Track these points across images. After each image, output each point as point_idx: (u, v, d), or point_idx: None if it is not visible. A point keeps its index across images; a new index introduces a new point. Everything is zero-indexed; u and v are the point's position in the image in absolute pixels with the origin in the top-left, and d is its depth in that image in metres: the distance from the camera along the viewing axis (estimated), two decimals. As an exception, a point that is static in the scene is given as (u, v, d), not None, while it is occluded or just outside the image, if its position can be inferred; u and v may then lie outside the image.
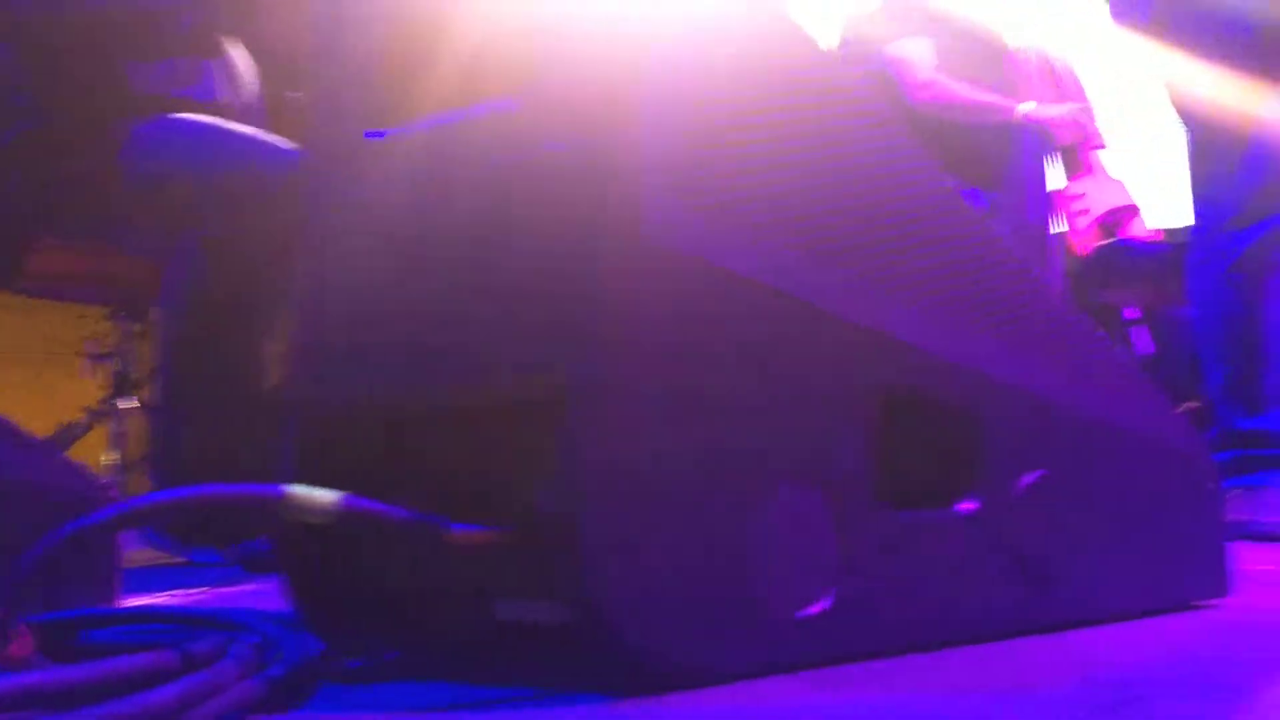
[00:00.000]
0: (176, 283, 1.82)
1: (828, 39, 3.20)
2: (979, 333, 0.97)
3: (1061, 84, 2.96)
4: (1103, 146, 2.98)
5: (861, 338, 0.85)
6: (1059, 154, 2.99)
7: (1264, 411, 2.06)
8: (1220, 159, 2.06)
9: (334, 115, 0.87)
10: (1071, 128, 2.86)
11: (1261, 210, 2.01)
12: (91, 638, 0.81)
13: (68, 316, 3.85)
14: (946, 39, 2.89)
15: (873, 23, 3.02)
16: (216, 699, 0.60)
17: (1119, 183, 2.97)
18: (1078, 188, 2.93)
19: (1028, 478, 0.98)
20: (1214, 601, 1.12)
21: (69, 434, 3.66)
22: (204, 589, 1.56)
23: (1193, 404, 2.22)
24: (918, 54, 2.88)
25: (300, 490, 0.68)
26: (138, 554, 2.00)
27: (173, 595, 1.46)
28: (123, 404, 3.72)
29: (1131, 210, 2.92)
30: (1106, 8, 2.19)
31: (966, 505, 0.95)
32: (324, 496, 0.69)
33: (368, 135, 0.84)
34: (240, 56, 2.05)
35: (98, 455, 3.73)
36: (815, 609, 0.80)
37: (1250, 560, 1.58)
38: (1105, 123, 3.05)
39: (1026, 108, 2.83)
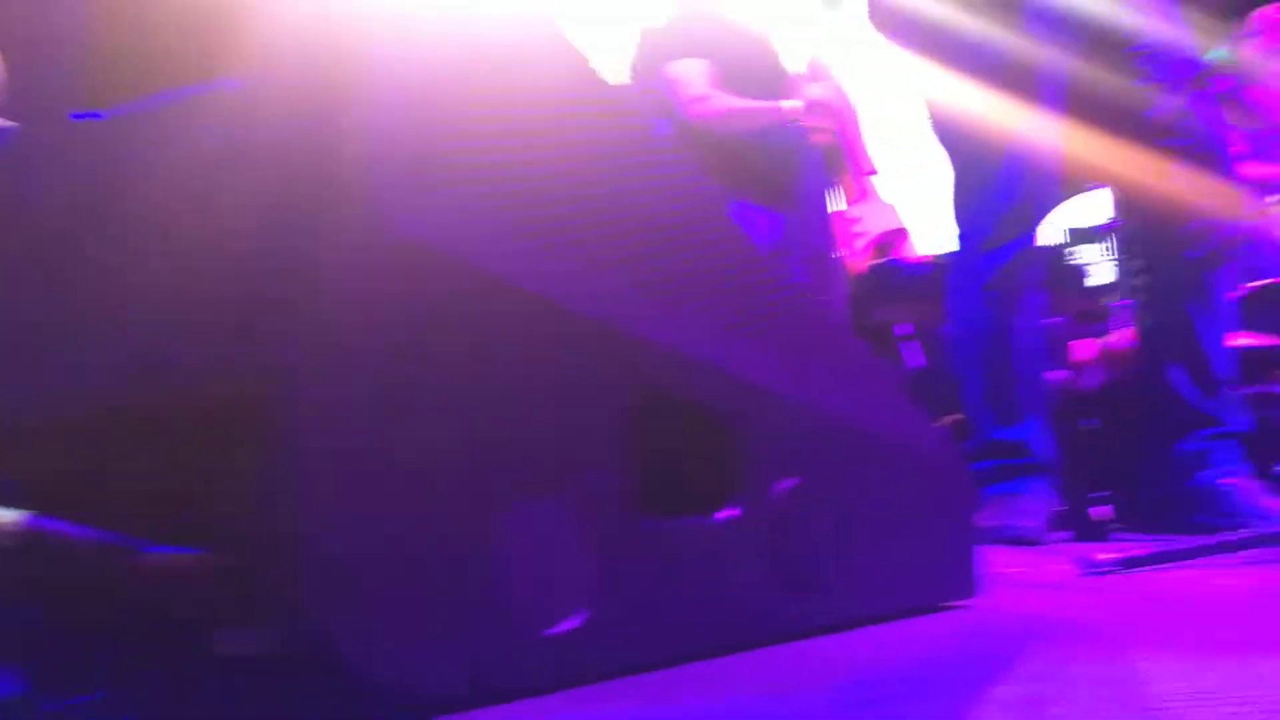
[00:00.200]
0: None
1: (621, 63, 3.21)
2: (741, 340, 0.97)
3: (835, 108, 3.07)
4: (874, 172, 3.10)
5: (616, 341, 0.82)
6: (841, 179, 3.10)
7: (1017, 423, 2.17)
8: (976, 182, 2.17)
9: (37, 97, 0.78)
10: (841, 139, 2.96)
11: (1012, 231, 2.13)
12: None
13: None
14: (728, 63, 2.95)
15: (657, 48, 3.06)
16: None
17: (891, 207, 3.10)
18: (854, 211, 3.04)
19: (787, 484, 0.98)
20: (962, 603, 1.15)
21: None
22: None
23: (954, 416, 2.32)
24: (689, 73, 2.92)
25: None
26: None
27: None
28: None
29: (902, 233, 3.05)
30: (875, 31, 2.28)
31: (728, 512, 0.94)
32: (3, 517, 0.61)
33: (75, 118, 0.75)
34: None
35: None
36: (569, 624, 0.76)
37: (1002, 563, 1.65)
38: (877, 148, 3.18)
39: (791, 104, 2.90)
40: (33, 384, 0.65)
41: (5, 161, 0.71)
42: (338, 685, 0.63)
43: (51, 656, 0.73)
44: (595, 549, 0.79)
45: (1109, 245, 3.40)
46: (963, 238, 2.25)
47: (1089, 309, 2.86)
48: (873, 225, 3.02)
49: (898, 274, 2.95)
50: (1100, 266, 3.28)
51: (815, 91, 2.92)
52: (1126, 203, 2.31)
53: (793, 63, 3.09)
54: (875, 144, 3.30)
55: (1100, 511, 2.34)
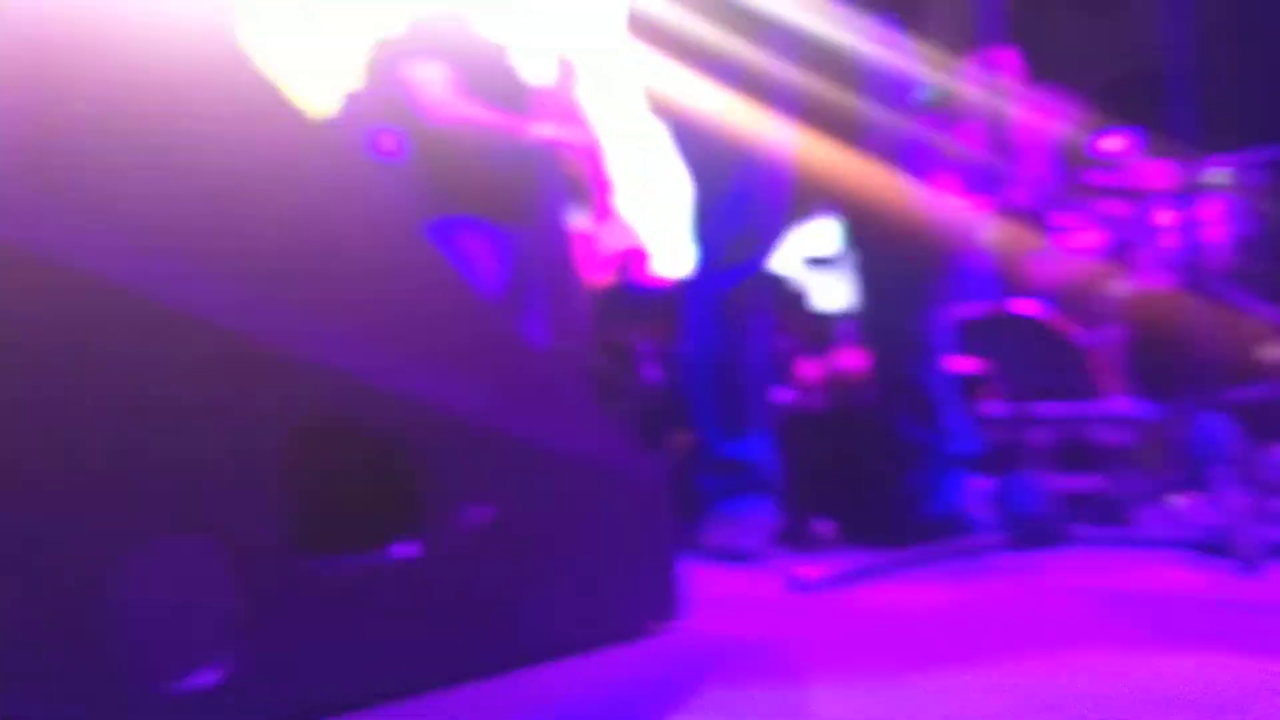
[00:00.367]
0: None
1: (355, 63, 3.09)
2: (428, 367, 0.91)
3: (577, 124, 3.07)
4: (614, 191, 3.12)
5: (279, 366, 0.75)
6: (582, 197, 3.09)
7: (745, 440, 2.21)
8: (713, 202, 2.20)
9: None
10: (583, 155, 2.97)
11: (745, 252, 2.17)
12: None
13: None
14: (468, 69, 2.89)
15: (395, 50, 2.96)
16: None
17: (631, 226, 3.13)
18: (594, 230, 3.04)
19: (475, 514, 0.93)
20: (664, 626, 1.13)
21: None
22: None
23: (686, 434, 2.34)
24: (429, 78, 2.85)
25: None
26: None
27: None
28: None
29: (641, 253, 3.08)
30: (633, 41, 2.27)
31: (405, 548, 0.88)
32: None
33: None
34: None
35: None
36: (205, 679, 0.68)
37: (718, 581, 1.67)
38: (624, 165, 3.20)
39: (543, 129, 2.89)
40: None
41: None
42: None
43: None
44: (243, 593, 0.72)
45: (839, 269, 3.56)
46: (700, 257, 2.28)
47: (817, 331, 2.97)
48: (612, 244, 3.03)
49: (632, 293, 2.97)
50: (830, 290, 3.42)
51: (563, 105, 2.91)
52: (856, 227, 2.38)
53: (536, 73, 3.06)
54: (621, 161, 3.32)
55: (822, 528, 2.41)
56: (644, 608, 1.13)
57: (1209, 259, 3.07)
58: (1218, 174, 3.17)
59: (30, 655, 0.58)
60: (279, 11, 3.32)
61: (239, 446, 0.72)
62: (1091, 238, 3.28)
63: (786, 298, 2.74)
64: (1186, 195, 3.14)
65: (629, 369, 2.98)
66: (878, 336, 2.34)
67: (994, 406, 2.42)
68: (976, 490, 2.06)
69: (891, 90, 2.17)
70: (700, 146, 2.20)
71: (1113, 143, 3.26)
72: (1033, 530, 1.57)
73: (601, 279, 3.00)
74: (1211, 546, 1.54)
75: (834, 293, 3.44)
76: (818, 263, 3.61)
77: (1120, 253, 3.08)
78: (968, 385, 2.35)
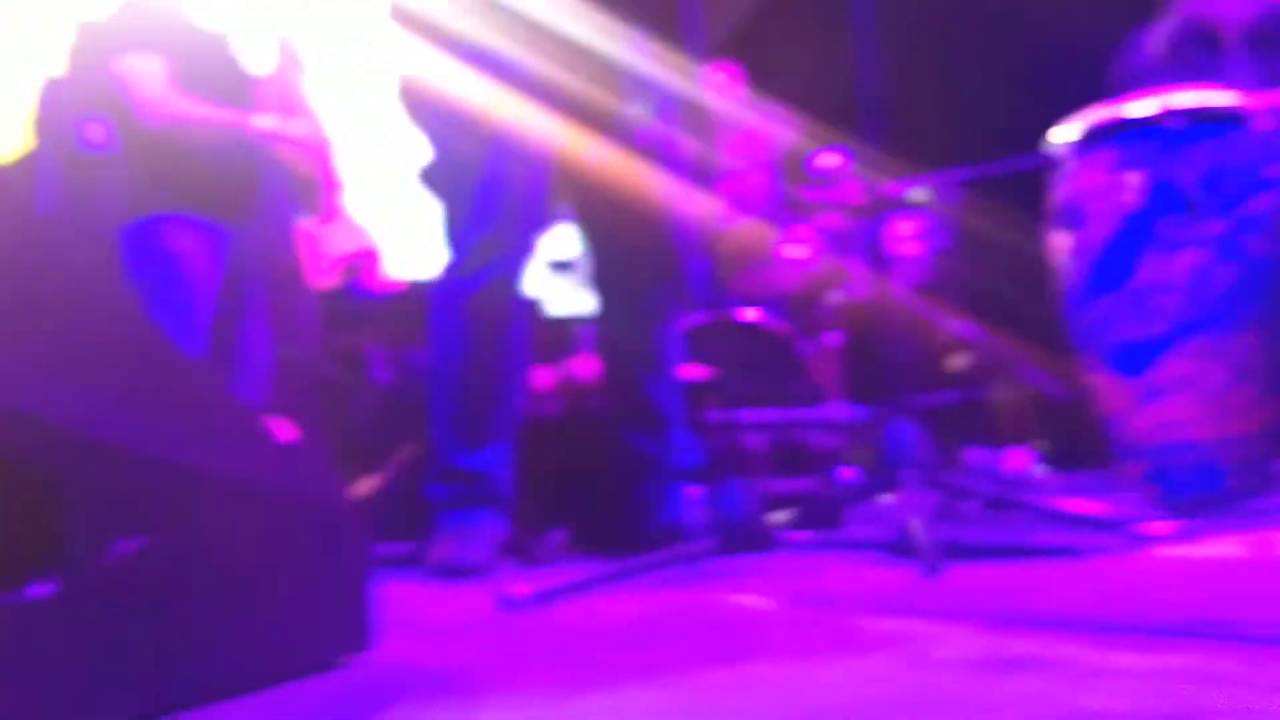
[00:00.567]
0: None
1: (56, 49, 2.83)
2: (71, 389, 0.82)
3: (299, 117, 2.93)
4: (343, 189, 3.00)
5: None
6: (309, 195, 2.95)
7: (480, 449, 2.15)
8: (463, 202, 2.14)
9: None
10: (310, 151, 2.84)
11: (490, 256, 2.11)
12: None
13: None
14: (186, 61, 2.71)
15: (103, 36, 2.73)
16: None
17: (362, 227, 3.02)
18: (320, 230, 2.91)
19: (130, 546, 0.85)
20: (355, 656, 1.08)
21: None
22: None
23: (418, 443, 2.27)
24: (146, 72, 2.65)
25: None
26: None
27: None
28: None
29: (372, 254, 2.98)
30: (398, 28, 2.17)
31: (42, 587, 0.79)
32: None
33: None
34: None
35: None
36: None
37: (429, 601, 1.62)
38: (349, 164, 3.08)
39: (266, 122, 2.74)
40: None
41: None
42: None
43: None
44: None
45: (578, 274, 3.58)
46: (446, 260, 2.21)
47: (554, 337, 2.96)
48: (341, 245, 2.91)
49: (366, 296, 2.87)
50: (569, 295, 3.43)
51: (288, 98, 2.76)
52: (594, 231, 2.36)
53: (257, 63, 2.89)
54: (354, 157, 3.20)
55: (553, 540, 2.41)
56: (332, 638, 1.07)
57: (909, 272, 3.29)
58: (918, 191, 3.40)
59: None
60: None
61: None
62: (811, 250, 3.44)
63: (528, 302, 2.71)
64: (891, 211, 3.37)
65: (358, 375, 2.87)
66: (611, 344, 2.34)
67: (713, 413, 2.48)
68: (693, 497, 2.10)
69: (646, 94, 2.17)
70: (453, 142, 2.14)
71: (828, 160, 3.43)
72: (741, 535, 1.61)
73: (328, 281, 2.87)
74: (899, 548, 1.63)
75: (572, 298, 3.45)
76: (559, 267, 3.61)
77: (835, 264, 3.23)
78: (692, 393, 2.39)
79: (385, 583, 2.06)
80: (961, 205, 3.41)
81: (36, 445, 0.78)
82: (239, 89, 2.81)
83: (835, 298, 3.53)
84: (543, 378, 2.66)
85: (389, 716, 0.81)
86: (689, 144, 2.69)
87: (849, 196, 3.36)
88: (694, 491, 2.12)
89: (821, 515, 2.23)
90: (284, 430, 1.08)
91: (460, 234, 2.15)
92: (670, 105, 2.21)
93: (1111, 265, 2.27)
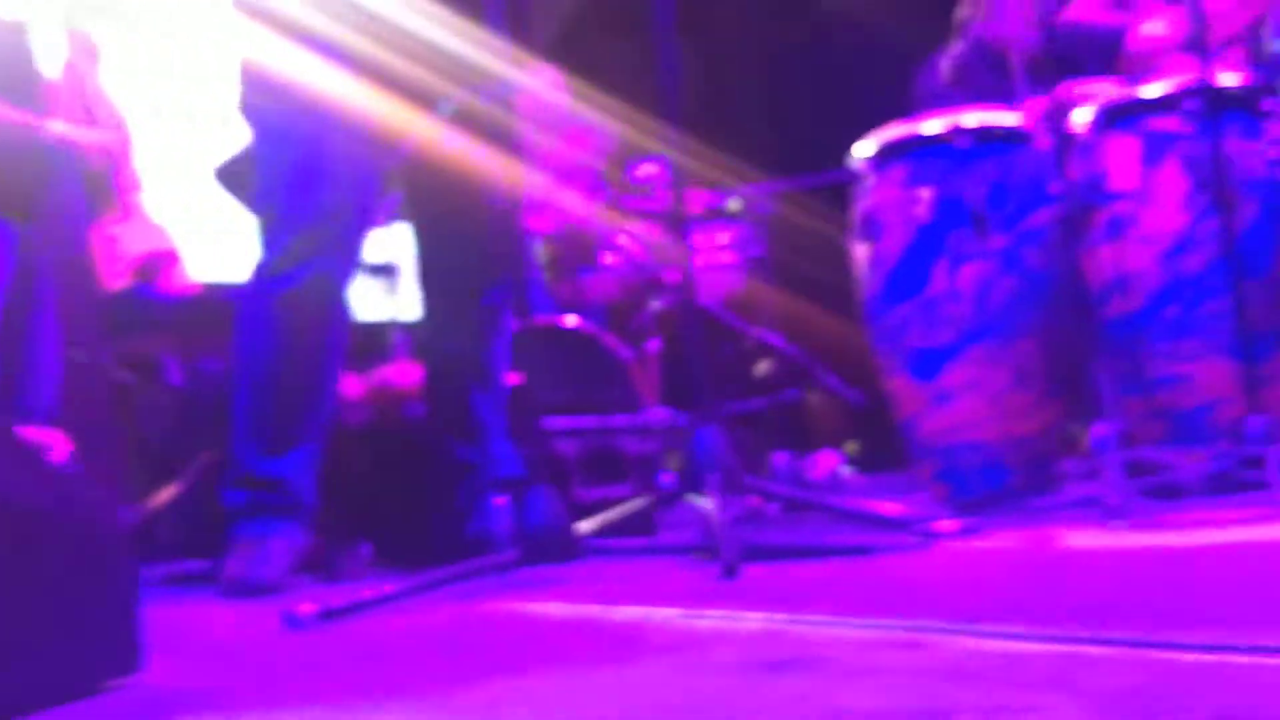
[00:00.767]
0: None
1: None
2: None
3: (96, 113, 2.76)
4: (139, 188, 2.84)
5: None
6: (102, 193, 2.78)
7: (284, 456, 2.05)
8: (272, 200, 2.04)
9: None
10: (102, 154, 2.68)
11: (301, 255, 2.01)
12: None
13: None
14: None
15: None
16: None
17: (160, 228, 2.86)
18: (113, 229, 2.75)
19: None
20: (123, 680, 1.01)
21: None
22: None
23: (213, 451, 2.16)
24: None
25: None
26: None
27: None
28: None
29: (171, 256, 2.82)
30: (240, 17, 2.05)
31: None
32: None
33: None
34: None
35: None
36: None
37: (214, 620, 1.54)
38: (148, 162, 2.92)
39: (57, 127, 2.57)
40: None
41: None
42: None
43: None
44: None
45: (397, 277, 3.49)
46: (260, 258, 2.10)
47: (364, 344, 2.88)
48: (134, 246, 2.75)
49: (161, 299, 2.72)
50: (386, 299, 3.34)
51: (86, 136, 2.60)
52: (428, 234, 2.29)
53: (48, 57, 2.71)
54: (153, 154, 3.04)
55: (357, 554, 2.34)
56: (99, 662, 1.00)
57: (721, 281, 3.35)
58: (733, 201, 3.47)
59: None
60: None
61: None
62: (631, 257, 3.45)
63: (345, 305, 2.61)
64: (706, 221, 3.42)
65: (151, 381, 2.72)
66: (435, 350, 2.27)
67: (529, 420, 2.45)
68: (503, 507, 2.08)
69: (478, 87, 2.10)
70: (274, 134, 2.04)
71: (647, 169, 3.46)
72: (549, 544, 1.59)
73: (122, 282, 2.71)
74: (703, 551, 1.65)
75: (390, 303, 3.37)
76: (378, 270, 3.52)
77: (656, 272, 3.26)
78: (511, 399, 2.36)
79: (175, 601, 1.97)
80: (775, 216, 3.50)
81: None
82: (28, 82, 2.62)
83: (654, 305, 3.56)
84: (350, 386, 2.58)
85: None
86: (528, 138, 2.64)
87: (667, 205, 3.40)
88: (504, 501, 2.09)
89: (635, 521, 2.23)
90: (53, 447, 1.00)
91: (273, 232, 2.05)
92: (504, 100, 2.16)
93: (906, 275, 2.37)
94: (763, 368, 2.83)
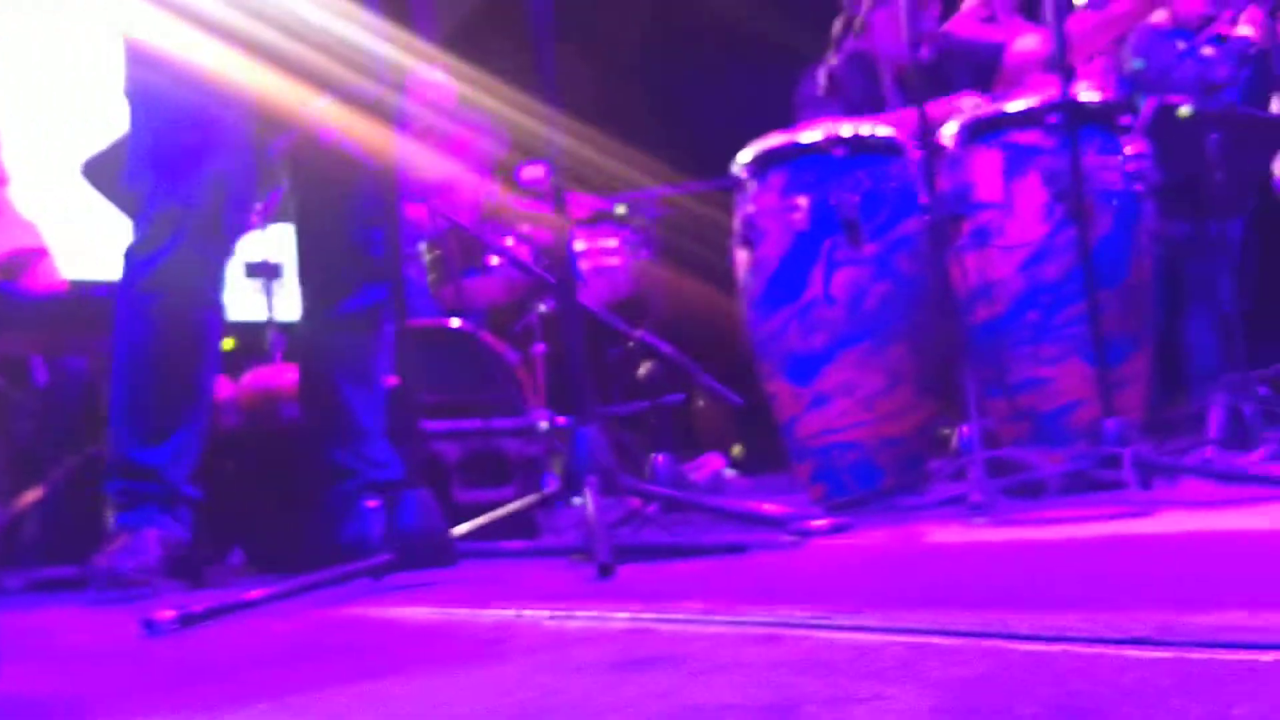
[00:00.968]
0: None
1: None
2: None
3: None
4: (6, 181, 2.71)
5: None
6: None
7: (161, 444, 1.97)
8: (147, 181, 1.97)
9: None
10: None
11: (170, 231, 1.94)
12: None
13: None
14: None
15: None
16: None
17: (30, 224, 2.73)
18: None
19: None
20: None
21: None
22: None
23: (73, 459, 2.07)
24: None
25: None
26: None
27: None
28: None
29: (40, 253, 2.70)
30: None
31: None
32: None
33: None
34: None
35: None
36: None
37: (68, 622, 1.47)
38: (15, 157, 2.79)
39: None
40: None
41: None
42: None
43: None
44: None
45: (277, 277, 3.40)
46: (132, 238, 2.01)
47: (238, 346, 2.79)
48: (2, 242, 2.62)
49: (27, 298, 2.59)
50: (263, 300, 3.25)
51: None
52: (310, 230, 2.22)
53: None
54: (18, 148, 2.90)
55: (227, 560, 2.26)
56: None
57: (607, 284, 3.35)
58: (620, 206, 3.47)
59: None
60: None
61: None
62: (520, 259, 3.42)
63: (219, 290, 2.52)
64: (593, 224, 3.42)
65: (18, 383, 2.59)
66: (313, 350, 2.21)
67: (408, 422, 2.40)
68: (379, 510, 2.03)
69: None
70: (164, 114, 1.96)
71: (533, 171, 3.44)
72: (424, 547, 1.56)
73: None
74: (580, 553, 1.64)
75: (267, 303, 3.27)
76: (257, 269, 3.42)
77: (540, 275, 3.24)
78: (389, 401, 2.30)
79: (37, 607, 1.88)
80: (661, 220, 3.51)
81: None
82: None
83: (540, 308, 3.54)
84: (222, 388, 2.49)
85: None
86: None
87: (554, 208, 3.38)
88: (380, 504, 2.04)
89: (518, 524, 2.21)
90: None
91: (144, 212, 1.97)
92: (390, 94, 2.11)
93: (784, 281, 2.40)
94: (646, 371, 2.83)
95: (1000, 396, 2.34)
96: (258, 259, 3.40)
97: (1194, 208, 3.17)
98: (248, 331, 3.17)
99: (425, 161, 3.56)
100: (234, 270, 2.49)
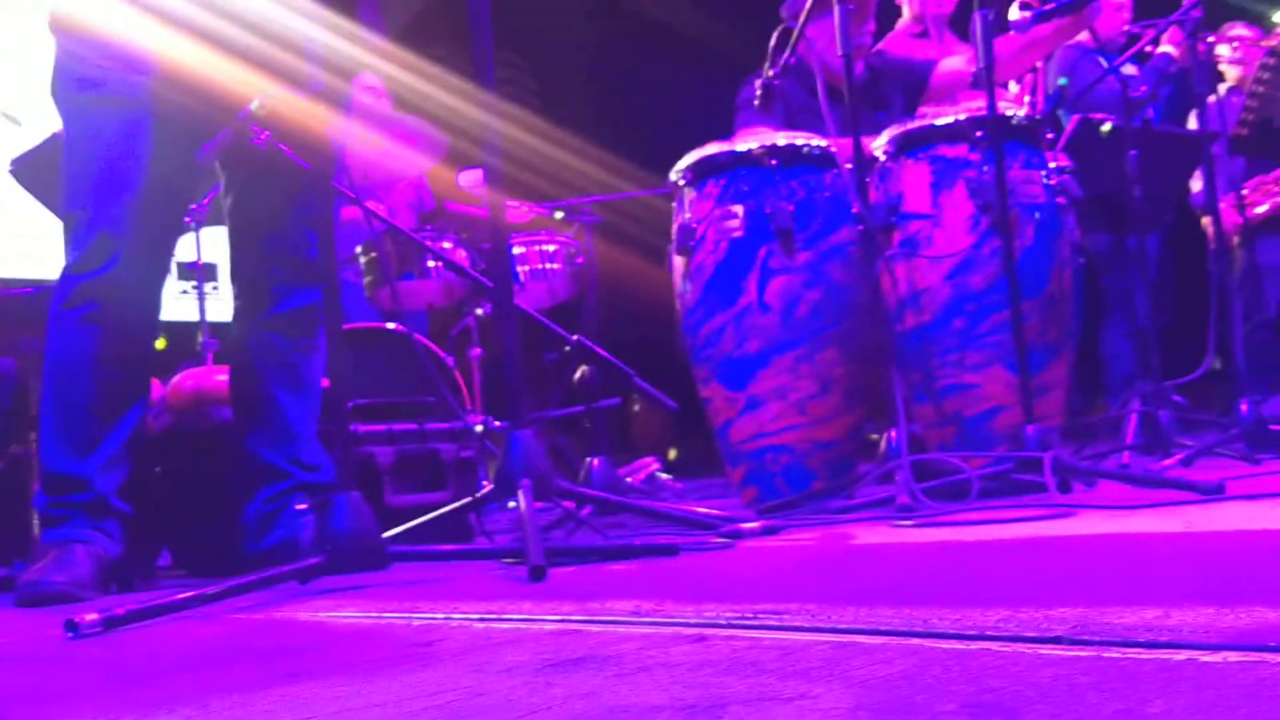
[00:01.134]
0: None
1: None
2: None
3: None
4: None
5: None
6: None
7: (89, 457, 1.91)
8: (79, 196, 1.92)
9: None
10: None
11: (111, 250, 1.89)
12: None
13: None
14: None
15: None
16: None
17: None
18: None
19: None
20: None
21: None
22: None
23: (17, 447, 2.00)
24: None
25: None
26: None
27: None
28: None
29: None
30: None
31: None
32: None
33: None
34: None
35: None
36: None
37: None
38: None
39: None
40: None
41: None
42: None
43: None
44: None
45: (210, 281, 3.33)
46: (67, 255, 1.95)
47: (169, 347, 2.72)
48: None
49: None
50: (195, 302, 3.18)
51: None
52: (244, 233, 2.16)
53: None
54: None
55: (156, 562, 2.20)
56: None
57: (546, 289, 3.33)
58: (558, 212, 3.46)
59: None
60: None
61: None
62: (456, 263, 3.39)
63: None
64: (531, 230, 3.40)
65: None
66: (245, 353, 2.16)
67: (341, 425, 2.36)
68: (310, 513, 1.99)
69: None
70: (96, 128, 1.90)
71: (471, 176, 3.41)
72: (355, 551, 1.53)
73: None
74: (514, 555, 1.62)
75: (200, 302, 3.20)
76: (190, 270, 3.34)
77: (477, 279, 3.21)
78: (323, 404, 2.26)
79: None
80: (599, 226, 3.51)
81: None
82: None
83: (477, 311, 3.51)
84: (153, 388, 2.43)
85: None
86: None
87: (492, 213, 3.36)
88: (310, 507, 2.00)
89: (451, 527, 2.18)
90: None
91: (81, 229, 1.92)
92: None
93: (720, 288, 2.40)
94: (583, 375, 2.82)
95: (927, 402, 2.37)
96: (191, 260, 3.33)
97: (1113, 222, 3.25)
98: (179, 332, 3.10)
99: (361, 164, 3.51)
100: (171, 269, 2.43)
